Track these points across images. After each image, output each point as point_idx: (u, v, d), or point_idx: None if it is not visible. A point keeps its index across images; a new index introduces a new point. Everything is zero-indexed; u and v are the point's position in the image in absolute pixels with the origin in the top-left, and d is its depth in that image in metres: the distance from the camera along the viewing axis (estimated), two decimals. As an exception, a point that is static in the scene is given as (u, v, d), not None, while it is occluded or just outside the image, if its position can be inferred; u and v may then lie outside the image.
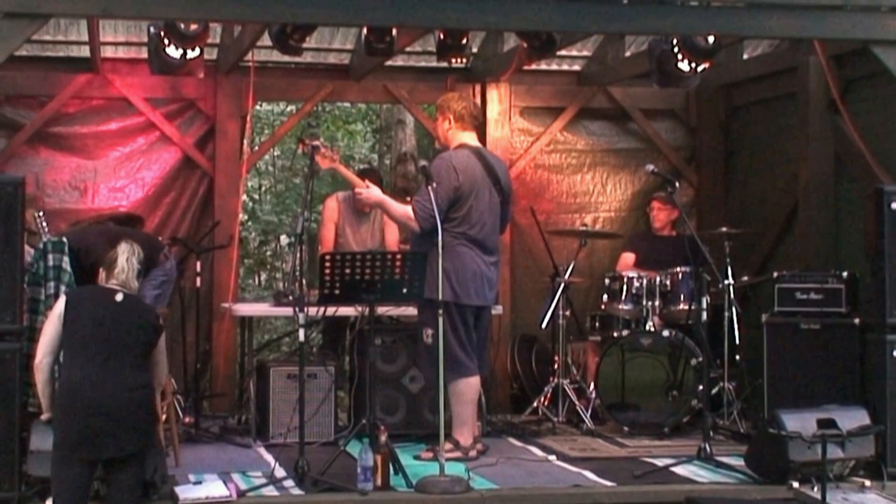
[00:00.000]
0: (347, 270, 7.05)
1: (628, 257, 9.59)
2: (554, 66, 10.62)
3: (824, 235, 9.30)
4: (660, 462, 7.48)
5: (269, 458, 7.60)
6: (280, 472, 6.98)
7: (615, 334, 9.04)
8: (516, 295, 10.36)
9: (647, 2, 7.32)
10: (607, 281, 9.17)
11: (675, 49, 8.55)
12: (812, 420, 6.85)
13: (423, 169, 7.45)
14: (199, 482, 6.77)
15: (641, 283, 8.98)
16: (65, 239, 7.48)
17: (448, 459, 6.93)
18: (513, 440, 8.44)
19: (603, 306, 9.21)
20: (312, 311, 7.32)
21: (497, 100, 10.42)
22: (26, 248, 6.87)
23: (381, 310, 7.88)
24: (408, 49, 9.70)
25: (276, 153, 18.22)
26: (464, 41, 8.88)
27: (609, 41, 10.03)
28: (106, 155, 9.85)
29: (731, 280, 8.87)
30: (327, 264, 7.07)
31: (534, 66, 10.14)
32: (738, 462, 7.22)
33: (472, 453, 7.57)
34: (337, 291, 7.11)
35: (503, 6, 7.20)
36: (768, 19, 7.42)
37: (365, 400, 7.47)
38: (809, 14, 7.40)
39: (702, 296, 7.62)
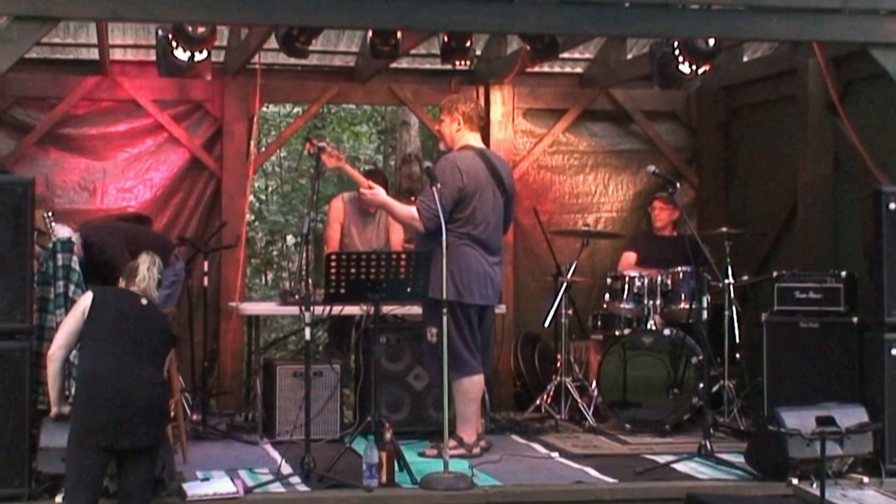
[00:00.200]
0: (353, 270, 7.05)
1: (630, 257, 9.60)
2: (556, 69, 10.64)
3: (823, 235, 9.31)
4: (661, 459, 7.48)
5: (275, 454, 7.59)
6: (286, 469, 6.96)
7: (617, 333, 9.04)
8: (519, 294, 10.37)
9: (648, 5, 7.34)
10: (609, 280, 9.18)
11: (676, 51, 8.55)
12: (811, 417, 6.86)
13: (428, 170, 7.46)
14: (206, 479, 6.81)
15: (643, 283, 8.98)
16: (77, 235, 7.54)
17: (452, 456, 6.93)
18: (516, 437, 8.45)
19: (605, 305, 9.23)
20: (318, 310, 7.34)
21: (500, 102, 10.43)
22: (36, 248, 6.88)
23: (386, 309, 7.96)
24: (412, 52, 9.73)
25: (282, 154, 18.18)
26: (468, 44, 8.90)
27: (611, 44, 10.03)
28: (115, 156, 9.87)
29: (731, 279, 8.89)
30: (333, 264, 7.08)
31: (537, 69, 10.15)
32: (739, 459, 7.22)
33: (476, 450, 7.59)
34: (342, 291, 7.11)
35: (507, 10, 7.23)
36: (768, 22, 7.43)
37: (370, 397, 7.48)
38: (808, 17, 7.41)
39: (702, 295, 7.62)
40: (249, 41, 9.17)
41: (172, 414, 7.10)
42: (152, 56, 8.85)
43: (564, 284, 9.09)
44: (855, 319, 8.10)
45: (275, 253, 19.06)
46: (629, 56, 10.10)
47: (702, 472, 7.20)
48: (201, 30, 7.99)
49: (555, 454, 7.84)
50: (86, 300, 6.20)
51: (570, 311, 9.27)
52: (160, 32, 8.25)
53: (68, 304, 6.79)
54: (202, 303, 9.19)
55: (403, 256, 7.28)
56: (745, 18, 7.49)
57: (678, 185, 8.15)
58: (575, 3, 7.26)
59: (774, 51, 9.96)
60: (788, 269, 8.65)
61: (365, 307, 7.79)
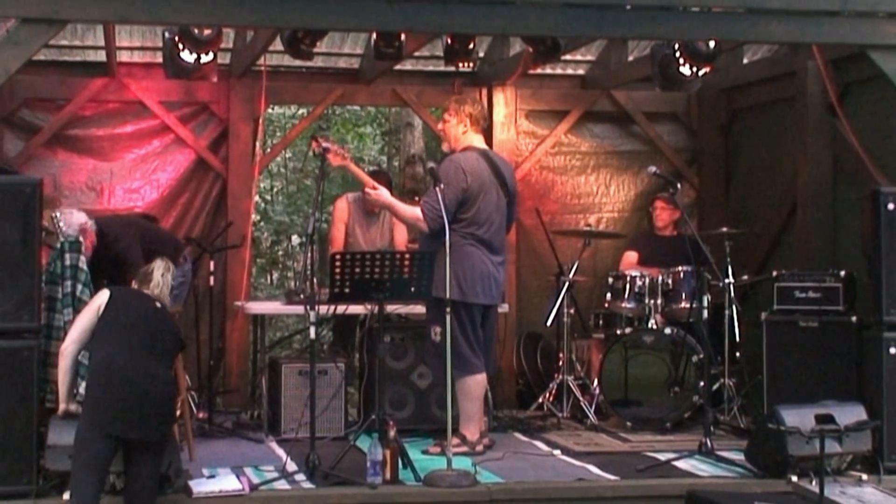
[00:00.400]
0: (357, 269, 7.06)
1: (631, 256, 9.63)
2: (559, 71, 10.66)
3: (822, 235, 9.32)
4: (662, 456, 7.49)
5: (280, 452, 7.63)
6: (291, 467, 6.98)
7: (618, 332, 9.05)
8: (522, 293, 10.40)
9: (649, 8, 7.33)
10: (611, 280, 9.19)
11: (677, 53, 8.60)
12: (810, 415, 6.88)
13: (431, 170, 7.47)
14: (212, 476, 6.78)
15: (644, 282, 9.00)
16: (92, 223, 7.55)
17: (455, 454, 6.93)
18: (518, 435, 8.45)
19: (606, 304, 9.24)
20: (323, 309, 7.36)
21: (503, 103, 10.45)
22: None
23: (390, 308, 7.94)
24: (416, 54, 9.76)
25: (287, 155, 18.16)
26: (471, 46, 8.95)
27: (612, 46, 10.04)
28: (122, 157, 9.91)
29: (731, 279, 8.91)
30: (337, 263, 7.09)
31: (539, 71, 10.19)
32: (739, 456, 7.24)
33: (479, 448, 7.60)
34: (347, 290, 7.12)
35: (509, 12, 7.23)
36: (767, 25, 7.44)
37: (374, 396, 7.50)
38: (808, 19, 7.41)
39: (703, 294, 7.63)
40: (255, 43, 9.18)
41: (179, 412, 7.10)
42: (159, 58, 8.92)
43: (566, 284, 9.12)
44: (854, 318, 8.10)
45: (280, 253, 19.05)
46: (630, 58, 10.12)
47: (702, 470, 7.21)
48: (207, 32, 8.02)
49: (557, 452, 7.86)
50: (102, 297, 6.26)
51: (572, 311, 9.30)
52: (167, 35, 8.29)
53: (76, 303, 6.83)
54: (208, 302, 9.17)
55: (407, 256, 7.28)
56: (744, 21, 7.49)
57: (679, 185, 8.14)
58: (577, 6, 7.26)
59: (774, 53, 9.97)
60: (788, 269, 8.65)
61: (369, 306, 7.85)
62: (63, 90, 9.81)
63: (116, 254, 7.72)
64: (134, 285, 6.49)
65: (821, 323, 8.25)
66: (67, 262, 6.94)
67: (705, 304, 7.64)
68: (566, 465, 7.46)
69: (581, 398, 9.01)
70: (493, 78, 10.39)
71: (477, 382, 7.64)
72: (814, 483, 6.62)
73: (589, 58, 10.54)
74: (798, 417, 6.86)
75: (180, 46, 8.19)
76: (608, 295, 9.22)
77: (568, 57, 10.07)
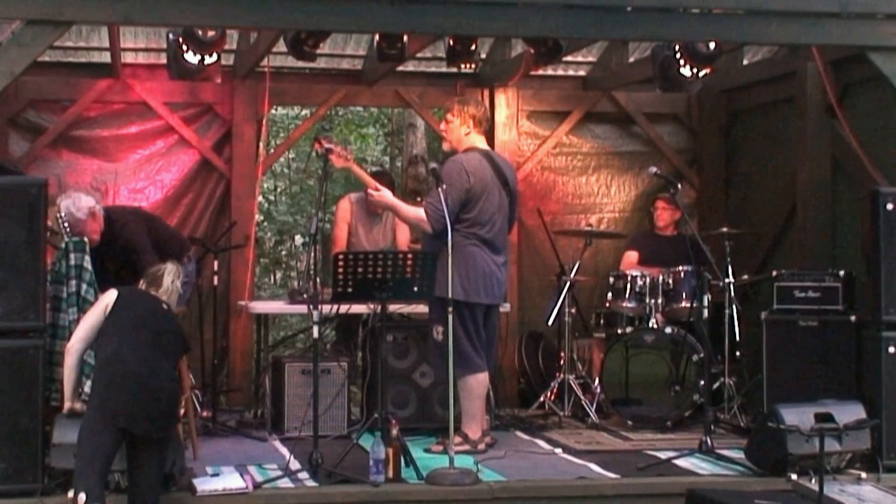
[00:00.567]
0: (360, 269, 7.09)
1: (631, 255, 9.66)
2: (560, 72, 10.68)
3: (822, 235, 9.34)
4: (662, 455, 7.52)
5: (284, 450, 7.64)
6: (295, 465, 6.99)
7: (619, 331, 9.06)
8: (524, 293, 10.41)
9: (650, 9, 7.33)
10: (612, 279, 9.21)
11: (678, 55, 8.61)
12: (810, 414, 6.90)
13: (434, 171, 7.48)
14: (216, 474, 6.79)
15: (645, 282, 9.01)
16: (100, 207, 7.56)
17: (457, 452, 6.95)
18: (520, 434, 8.46)
19: (607, 304, 9.26)
20: (326, 308, 7.36)
21: (505, 104, 10.46)
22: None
23: (393, 307, 7.98)
24: (418, 55, 9.77)
25: (290, 156, 18.18)
26: (473, 47, 8.97)
27: (613, 47, 10.06)
28: (126, 157, 9.93)
29: (731, 279, 8.95)
30: (340, 263, 7.12)
31: (540, 72, 10.23)
32: (739, 455, 7.26)
33: (481, 446, 7.62)
34: (350, 290, 7.15)
35: (511, 14, 7.23)
36: (767, 26, 7.44)
37: (377, 395, 7.52)
38: (807, 21, 7.41)
39: (703, 294, 7.64)
40: (258, 45, 9.21)
41: (183, 411, 7.11)
42: (163, 59, 8.93)
43: (568, 283, 9.15)
44: (853, 318, 8.15)
45: (283, 252, 19.08)
46: (631, 59, 10.13)
47: (702, 468, 7.24)
48: (211, 33, 8.04)
49: (558, 450, 7.87)
50: (110, 296, 6.29)
51: (574, 310, 9.33)
52: (171, 36, 8.31)
53: (81, 302, 6.83)
54: (212, 301, 9.21)
55: (409, 256, 7.31)
56: (744, 22, 7.49)
57: (679, 185, 8.16)
58: (578, 8, 7.25)
59: (774, 54, 9.97)
60: (788, 269, 8.69)
61: (372, 306, 7.86)
62: (68, 91, 9.83)
63: (126, 239, 7.73)
64: (142, 285, 6.52)
65: (820, 322, 8.28)
66: (72, 262, 6.94)
67: (706, 303, 7.66)
68: (567, 464, 7.47)
69: (582, 397, 9.04)
70: (494, 79, 10.40)
71: (479, 381, 7.66)
72: (813, 481, 6.61)
73: (590, 59, 10.54)
74: (798, 416, 6.87)
75: (184, 48, 8.20)
76: (609, 294, 9.23)
77: (569, 58, 10.08)
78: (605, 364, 8.90)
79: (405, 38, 8.50)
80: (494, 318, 7.94)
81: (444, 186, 7.32)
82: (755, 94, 10.34)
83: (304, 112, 16.64)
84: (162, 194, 9.97)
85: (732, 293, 8.98)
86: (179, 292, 6.61)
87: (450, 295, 6.98)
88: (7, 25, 7.15)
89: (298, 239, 18.42)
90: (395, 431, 6.81)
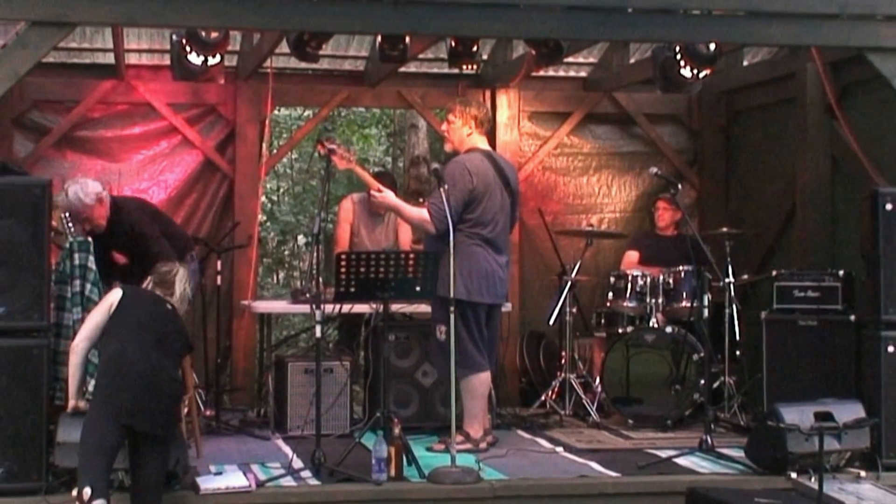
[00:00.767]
0: (362, 269, 7.09)
1: (632, 255, 9.68)
2: (561, 73, 10.70)
3: (821, 235, 9.34)
4: (663, 453, 7.54)
5: (286, 449, 7.62)
6: (297, 464, 6.97)
7: (620, 330, 9.08)
8: (525, 293, 10.42)
9: (650, 11, 7.34)
10: (612, 279, 9.23)
11: (678, 56, 8.64)
12: (809, 413, 6.91)
13: (436, 171, 7.50)
14: (219, 473, 6.77)
15: (645, 281, 9.03)
16: (105, 193, 7.56)
17: (459, 451, 6.98)
18: (521, 432, 8.47)
19: (608, 303, 9.27)
20: (329, 308, 7.36)
21: (506, 105, 10.48)
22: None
23: (395, 307, 8.01)
24: (420, 56, 9.80)
25: (293, 156, 18.18)
26: (474, 48, 9.00)
27: (614, 48, 10.08)
28: (130, 158, 9.94)
29: (731, 278, 8.95)
30: (343, 263, 7.12)
31: (542, 73, 10.27)
32: (739, 453, 7.27)
33: (483, 445, 7.64)
34: (352, 289, 7.14)
35: (513, 15, 7.24)
36: (767, 27, 7.45)
37: (379, 394, 7.55)
38: (807, 22, 7.42)
39: (703, 293, 7.67)
40: (261, 46, 9.21)
41: (186, 410, 7.15)
42: (167, 60, 8.95)
43: (569, 283, 9.14)
44: (852, 317, 8.14)
45: (286, 252, 19.09)
46: (632, 60, 10.15)
47: (703, 467, 7.26)
48: (214, 35, 8.07)
49: (559, 449, 7.88)
50: (114, 295, 6.31)
51: (575, 310, 9.34)
52: (174, 37, 8.34)
53: (85, 302, 6.87)
54: (215, 301, 9.24)
55: (412, 256, 7.31)
56: (744, 24, 7.50)
57: (679, 186, 8.18)
58: (579, 9, 7.26)
59: (774, 55, 9.98)
60: (787, 269, 8.71)
61: (374, 305, 7.87)
62: (72, 92, 9.84)
63: (132, 225, 7.77)
64: (148, 283, 6.54)
65: (820, 322, 8.28)
66: (76, 262, 6.97)
67: (706, 303, 7.68)
68: (568, 462, 7.48)
69: (583, 396, 9.05)
70: (496, 80, 10.42)
71: (481, 380, 7.68)
72: (813, 480, 6.63)
73: (591, 60, 10.56)
74: (797, 415, 6.88)
75: (188, 49, 8.24)
76: (610, 294, 9.25)
77: (570, 59, 10.11)
78: (605, 363, 8.92)
79: (407, 39, 8.51)
80: (496, 318, 7.95)
81: (447, 187, 7.34)
82: (755, 94, 10.34)
83: (306, 113, 16.68)
84: (165, 195, 9.96)
85: (732, 293, 8.98)
86: (190, 298, 6.62)
87: (452, 294, 6.99)
88: (12, 26, 7.15)
89: (301, 239, 18.44)
90: (397, 430, 6.82)
